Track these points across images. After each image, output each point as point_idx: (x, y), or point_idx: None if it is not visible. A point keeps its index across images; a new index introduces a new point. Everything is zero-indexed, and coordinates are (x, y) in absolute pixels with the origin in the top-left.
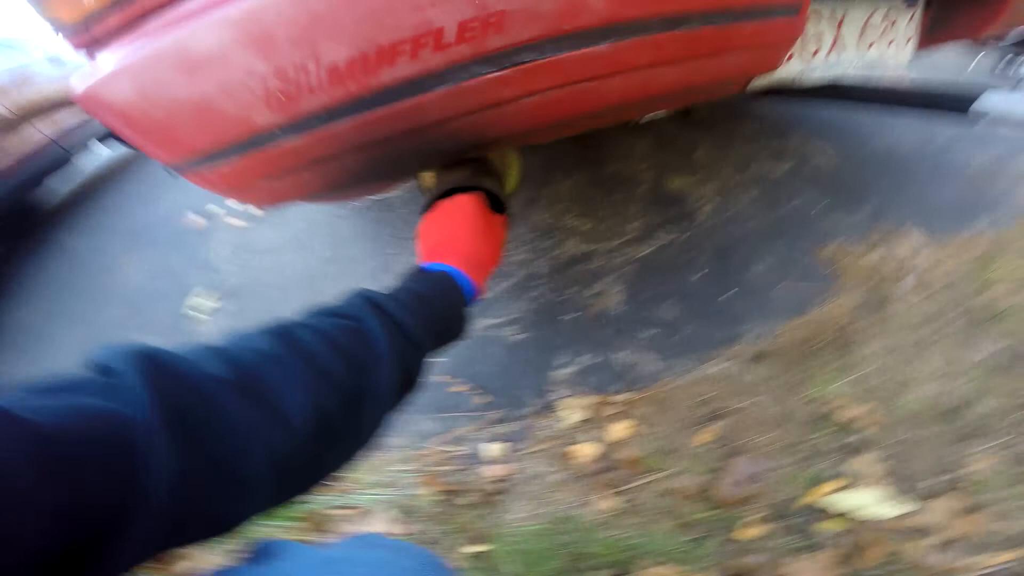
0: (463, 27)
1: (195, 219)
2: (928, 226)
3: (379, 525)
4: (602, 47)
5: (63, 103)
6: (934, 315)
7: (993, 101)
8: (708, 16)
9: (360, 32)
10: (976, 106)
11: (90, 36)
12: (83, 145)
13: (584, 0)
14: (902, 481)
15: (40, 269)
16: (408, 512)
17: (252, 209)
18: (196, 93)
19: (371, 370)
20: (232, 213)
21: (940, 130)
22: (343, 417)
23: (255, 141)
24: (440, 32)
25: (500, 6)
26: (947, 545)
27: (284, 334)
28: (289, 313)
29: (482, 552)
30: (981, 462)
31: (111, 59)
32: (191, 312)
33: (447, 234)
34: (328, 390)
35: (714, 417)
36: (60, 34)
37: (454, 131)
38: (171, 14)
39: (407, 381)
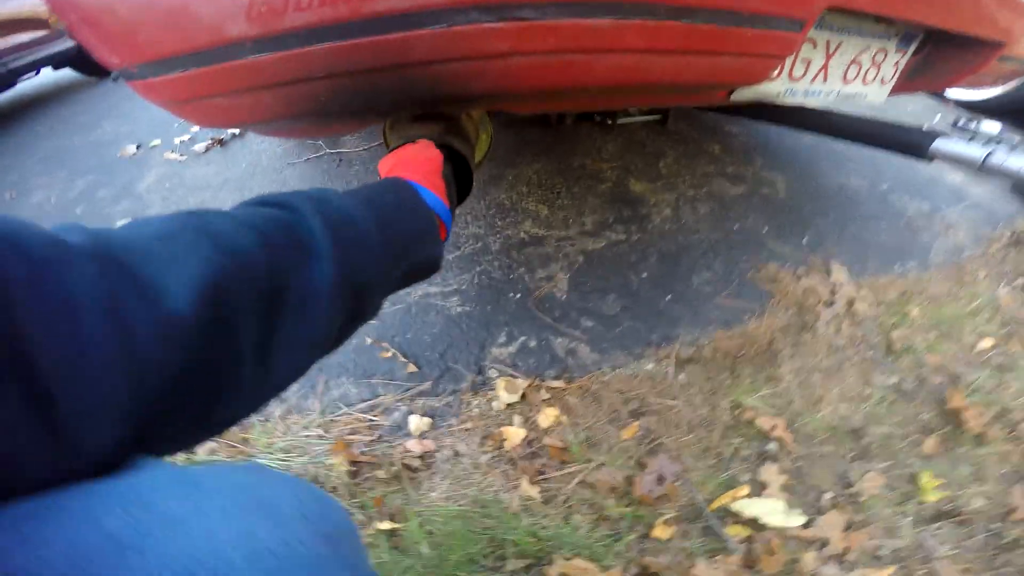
0: None
1: (129, 149)
2: (859, 262)
3: None
4: (604, 21)
5: (26, 22)
6: (850, 343)
7: (948, 145)
8: (716, 13)
9: None
10: (932, 149)
11: None
12: (33, 68)
13: None
14: (803, 493)
15: None
16: (316, 481)
17: (195, 146)
18: None
19: (300, 266)
20: (172, 148)
21: (887, 174)
22: (257, 314)
23: (221, 52)
24: None
25: None
26: (838, 557)
27: (189, 214)
28: None
29: (396, 529)
30: (872, 481)
31: None
32: None
33: (407, 157)
34: (237, 272)
35: (640, 414)
36: None
37: (435, 75)
38: None
39: (355, 295)
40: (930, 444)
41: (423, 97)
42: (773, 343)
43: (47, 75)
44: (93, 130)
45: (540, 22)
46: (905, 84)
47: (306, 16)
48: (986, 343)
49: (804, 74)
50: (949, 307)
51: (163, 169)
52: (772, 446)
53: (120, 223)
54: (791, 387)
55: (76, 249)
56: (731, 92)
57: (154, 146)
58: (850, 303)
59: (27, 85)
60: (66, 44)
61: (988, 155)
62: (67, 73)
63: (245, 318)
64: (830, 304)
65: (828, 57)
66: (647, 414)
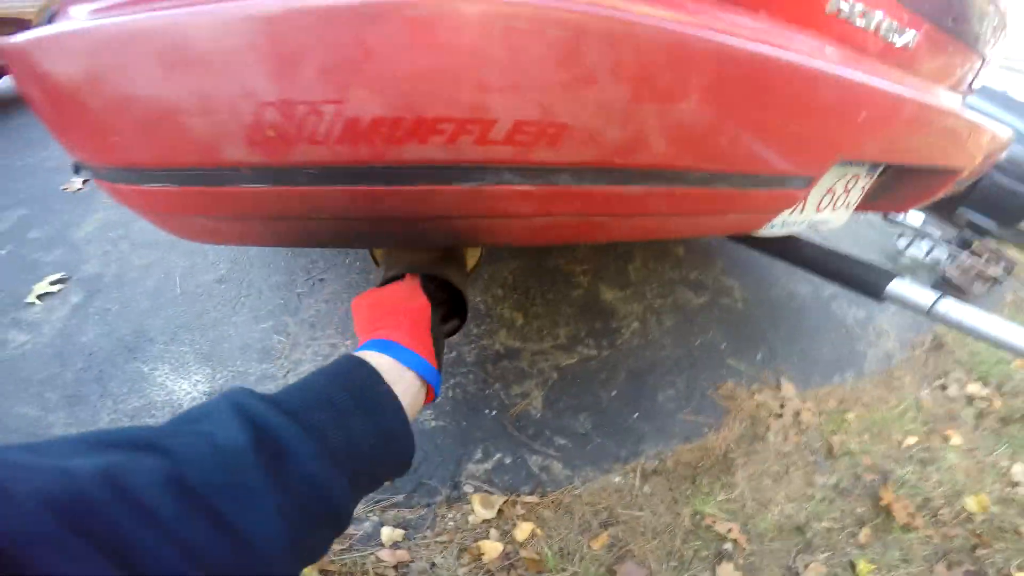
0: (517, 127)
1: (75, 183)
2: (805, 375)
3: None
4: (637, 188)
5: (7, 22)
6: (796, 449)
7: (900, 289)
8: (741, 178)
9: (406, 92)
10: (887, 292)
11: None
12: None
13: (646, 140)
14: None
15: None
16: None
17: None
18: (162, 95)
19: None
20: None
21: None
22: None
23: (211, 175)
24: (491, 124)
25: (565, 119)
26: None
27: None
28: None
29: None
30: (815, 571)
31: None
32: (36, 302)
33: (391, 308)
34: None
35: (609, 524)
36: None
37: (448, 228)
38: None
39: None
40: (865, 534)
41: (432, 242)
42: (729, 453)
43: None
44: (40, 151)
45: (574, 187)
46: (867, 205)
47: (320, 152)
48: (911, 440)
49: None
50: (880, 411)
51: (108, 213)
52: (728, 546)
53: (49, 280)
54: (744, 492)
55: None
56: None
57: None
58: (796, 414)
59: None
60: None
61: (934, 303)
62: None
63: None
64: (779, 416)
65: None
66: (615, 524)
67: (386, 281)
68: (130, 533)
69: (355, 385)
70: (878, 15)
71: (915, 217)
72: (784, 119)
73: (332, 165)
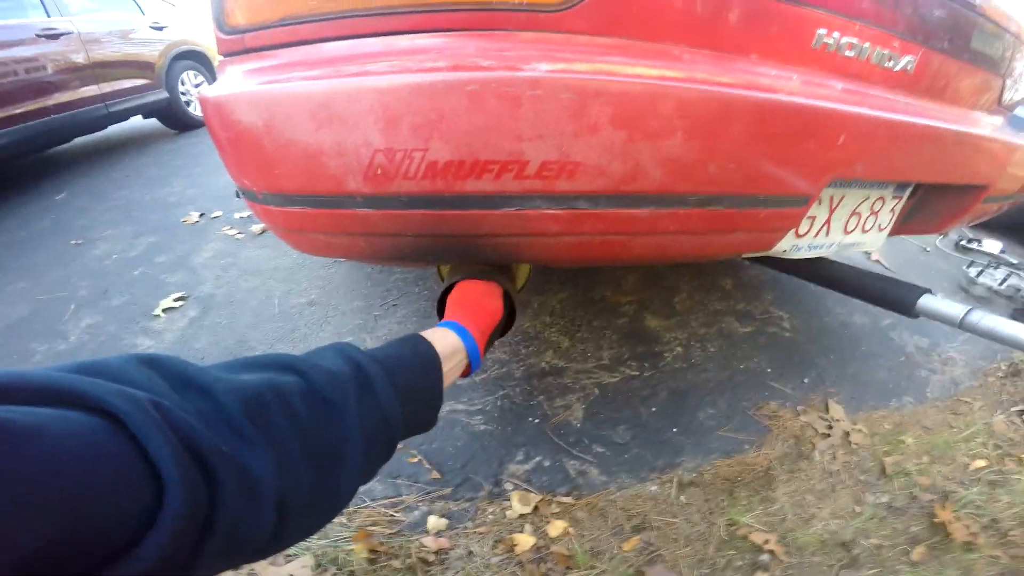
0: (544, 166)
1: (193, 216)
2: (857, 400)
3: (292, 570)
4: (644, 210)
5: (130, 68)
6: (844, 468)
7: (931, 303)
8: (735, 199)
9: (467, 142)
10: (918, 306)
11: (241, 43)
12: (129, 114)
13: (644, 170)
14: None
15: (15, 215)
16: (333, 563)
17: (253, 226)
18: (313, 142)
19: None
20: (231, 223)
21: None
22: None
23: (336, 201)
24: (525, 164)
25: (578, 158)
26: None
27: (263, 404)
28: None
29: None
30: None
31: (245, 75)
32: (160, 315)
33: (474, 301)
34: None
35: (641, 528)
36: (219, 30)
37: (497, 244)
38: (322, 54)
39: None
40: (919, 552)
41: (484, 258)
42: (770, 470)
43: (134, 122)
44: (163, 187)
45: (591, 211)
46: (901, 228)
47: (410, 184)
48: (979, 463)
49: (809, 230)
50: (943, 435)
51: (221, 244)
52: (764, 557)
53: (173, 297)
54: (785, 507)
55: (228, 463)
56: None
57: (215, 217)
58: (846, 435)
59: (113, 129)
60: (161, 95)
61: (966, 315)
62: (152, 123)
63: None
64: (827, 436)
65: (831, 212)
66: (648, 529)
67: (451, 285)
68: (281, 425)
69: (421, 354)
70: (866, 46)
71: (992, 245)
72: (762, 148)
73: (417, 194)
